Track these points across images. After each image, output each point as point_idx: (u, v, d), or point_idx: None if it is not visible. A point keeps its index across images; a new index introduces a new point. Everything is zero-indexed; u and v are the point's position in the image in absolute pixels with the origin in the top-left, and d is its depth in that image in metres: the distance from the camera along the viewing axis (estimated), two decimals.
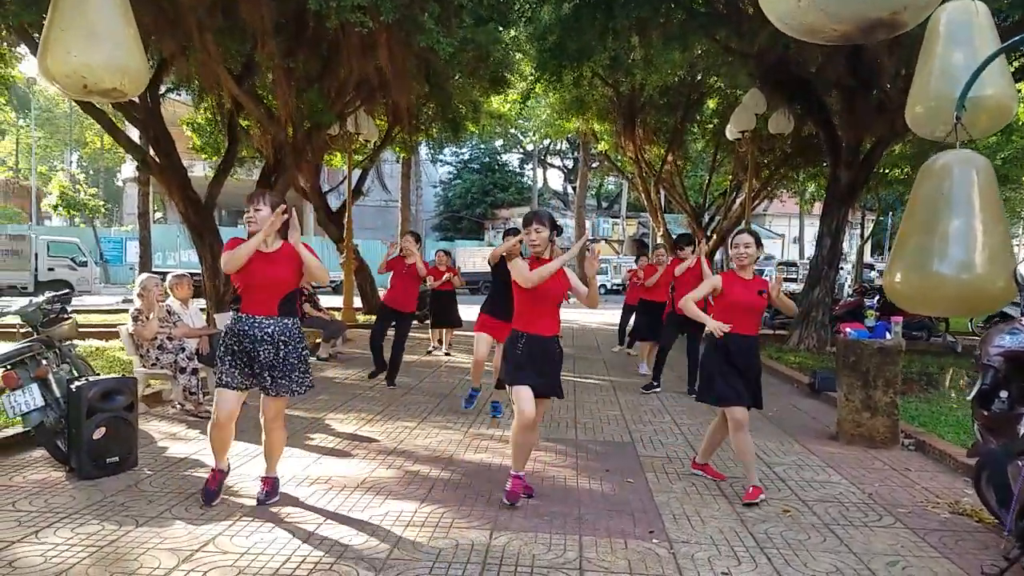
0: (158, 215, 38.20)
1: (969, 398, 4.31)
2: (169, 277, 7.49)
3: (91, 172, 47.94)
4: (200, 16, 9.89)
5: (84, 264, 23.16)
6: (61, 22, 5.01)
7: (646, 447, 6.20)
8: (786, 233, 51.15)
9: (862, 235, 34.85)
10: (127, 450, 5.01)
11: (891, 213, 44.80)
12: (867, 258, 35.68)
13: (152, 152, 11.92)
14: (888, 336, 6.61)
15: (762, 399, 5.09)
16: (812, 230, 50.38)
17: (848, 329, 6.81)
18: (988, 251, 4.09)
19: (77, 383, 4.87)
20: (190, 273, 7.95)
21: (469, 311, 15.25)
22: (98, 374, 6.38)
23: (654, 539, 4.14)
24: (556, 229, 4.75)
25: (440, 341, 12.16)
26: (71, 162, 49.42)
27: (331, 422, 6.76)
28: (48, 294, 5.72)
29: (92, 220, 35.50)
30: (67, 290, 6.55)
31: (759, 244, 4.99)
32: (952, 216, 4.18)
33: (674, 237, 13.92)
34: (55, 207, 31.44)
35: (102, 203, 35.52)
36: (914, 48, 11.19)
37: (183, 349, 6.80)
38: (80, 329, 13.14)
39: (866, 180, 14.76)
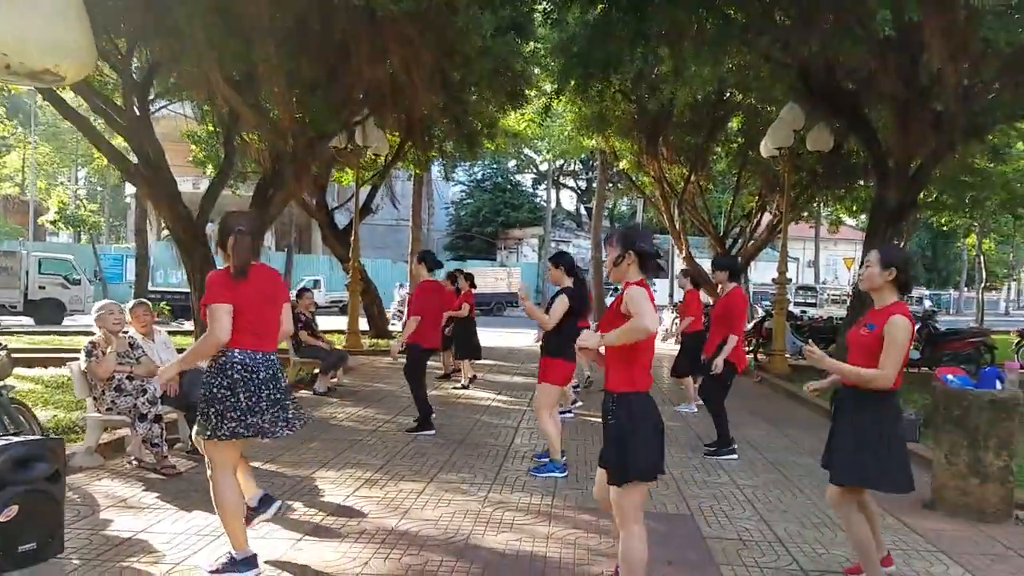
0: (165, 232, 37.28)
1: None
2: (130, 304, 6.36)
3: (99, 188, 47.13)
4: (193, 14, 8.90)
5: (77, 282, 22.08)
6: None
7: (710, 523, 4.99)
8: (800, 256, 50.35)
9: None
10: (48, 534, 3.84)
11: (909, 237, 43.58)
12: None
13: (138, 162, 10.88)
14: (1000, 386, 5.43)
15: (848, 471, 3.80)
16: (827, 253, 49.60)
17: (948, 376, 5.62)
18: None
19: None
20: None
21: (485, 335, 14.12)
22: (41, 427, 5.27)
23: None
24: (628, 248, 3.51)
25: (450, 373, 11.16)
26: (79, 178, 48.65)
27: (321, 482, 5.58)
28: None
29: (95, 236, 34.58)
30: None
31: (883, 265, 3.80)
32: None
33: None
34: (53, 223, 30.55)
35: (102, 219, 34.60)
36: (981, 56, 10.29)
37: (144, 391, 5.65)
38: (61, 355, 12.10)
39: (914, 201, 13.60)
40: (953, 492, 5.45)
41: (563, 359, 5.90)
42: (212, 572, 3.79)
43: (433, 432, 7.51)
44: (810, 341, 3.83)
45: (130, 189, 37.44)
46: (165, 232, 38.29)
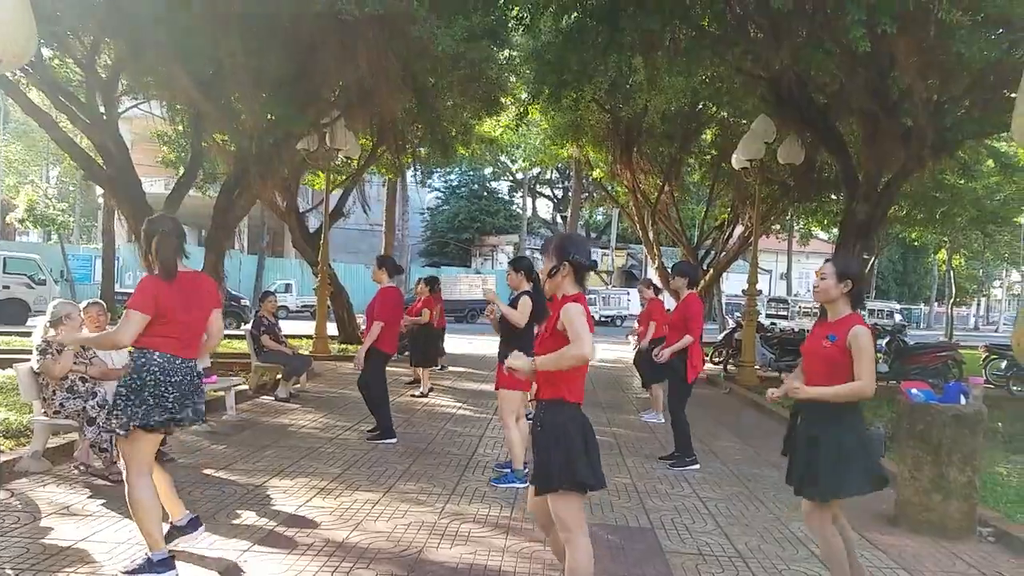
0: None
1: None
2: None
3: (71, 188, 46.42)
4: (157, 10, 8.72)
5: (43, 282, 21.63)
6: None
7: (670, 536, 4.90)
8: (773, 269, 50.77)
9: None
10: None
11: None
12: None
13: (102, 162, 10.63)
14: (964, 401, 5.40)
15: (817, 486, 3.71)
16: (799, 266, 49.96)
17: (912, 390, 5.59)
18: None
19: None
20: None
21: (457, 342, 13.99)
22: None
23: None
24: (564, 259, 3.37)
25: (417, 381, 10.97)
26: (51, 177, 47.87)
27: (273, 491, 5.42)
28: None
29: (64, 236, 33.97)
30: None
31: (839, 277, 3.77)
32: None
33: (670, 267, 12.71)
34: (22, 221, 30.02)
35: (72, 219, 34.06)
36: (951, 71, 10.36)
37: (95, 395, 5.47)
38: (22, 356, 11.80)
39: (884, 215, 13.67)
40: (916, 508, 5.40)
41: None
42: (127, 573, 3.74)
43: (395, 440, 7.36)
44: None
45: (100, 189, 36.91)
46: None
